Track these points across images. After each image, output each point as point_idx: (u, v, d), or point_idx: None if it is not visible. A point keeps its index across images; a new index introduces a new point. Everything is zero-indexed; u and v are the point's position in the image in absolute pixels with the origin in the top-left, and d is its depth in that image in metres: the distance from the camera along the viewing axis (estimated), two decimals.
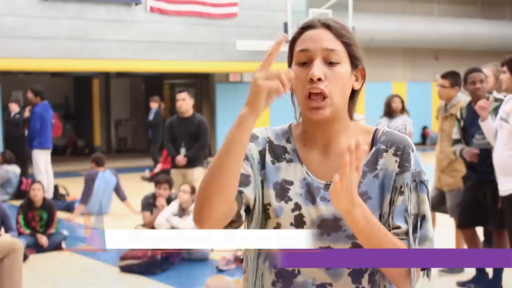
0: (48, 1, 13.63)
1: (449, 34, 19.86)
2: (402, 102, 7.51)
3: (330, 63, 1.62)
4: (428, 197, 1.64)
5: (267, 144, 1.72)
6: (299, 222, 1.63)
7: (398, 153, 1.65)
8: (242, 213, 1.66)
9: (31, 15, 13.49)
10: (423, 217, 1.62)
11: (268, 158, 1.70)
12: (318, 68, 1.60)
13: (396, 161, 1.64)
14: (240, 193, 1.64)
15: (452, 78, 5.84)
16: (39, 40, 13.53)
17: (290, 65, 1.67)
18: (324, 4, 15.52)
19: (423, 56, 21.10)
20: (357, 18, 16.34)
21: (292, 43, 1.68)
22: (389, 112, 7.46)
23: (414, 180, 1.63)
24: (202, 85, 17.63)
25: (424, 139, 20.53)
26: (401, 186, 1.62)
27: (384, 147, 1.67)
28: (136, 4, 14.52)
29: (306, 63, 1.63)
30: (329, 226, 1.62)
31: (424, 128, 20.61)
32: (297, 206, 1.64)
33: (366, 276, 1.63)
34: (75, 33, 13.87)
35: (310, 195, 1.64)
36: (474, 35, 20.34)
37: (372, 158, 1.66)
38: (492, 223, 5.23)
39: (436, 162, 6.01)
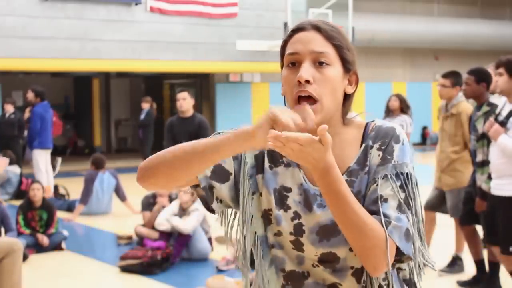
0: (48, 1, 13.63)
1: (449, 34, 19.86)
2: (401, 101, 7.51)
3: (319, 66, 1.55)
4: (409, 189, 1.54)
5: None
6: (298, 231, 1.60)
7: (383, 147, 1.57)
8: (215, 207, 1.65)
9: (31, 15, 13.49)
10: (399, 206, 1.52)
11: (266, 163, 1.66)
12: (305, 70, 1.54)
13: (379, 155, 1.57)
14: (211, 187, 1.63)
15: (453, 77, 5.84)
16: (39, 40, 13.53)
17: (282, 68, 1.63)
18: (324, 4, 15.52)
19: (423, 56, 21.10)
20: (357, 18, 16.34)
21: (283, 46, 1.62)
22: (388, 112, 7.51)
23: (396, 172, 1.54)
24: (202, 85, 17.62)
25: (424, 139, 20.54)
26: (375, 178, 1.55)
27: (371, 143, 1.59)
28: (136, 4, 14.53)
29: (295, 65, 1.57)
30: (327, 232, 1.57)
31: (424, 128, 20.61)
32: (296, 215, 1.60)
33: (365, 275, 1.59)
34: (75, 33, 13.87)
35: (307, 202, 1.60)
36: (474, 35, 20.34)
37: (362, 155, 1.60)
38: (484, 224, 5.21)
39: (436, 162, 6.01)
